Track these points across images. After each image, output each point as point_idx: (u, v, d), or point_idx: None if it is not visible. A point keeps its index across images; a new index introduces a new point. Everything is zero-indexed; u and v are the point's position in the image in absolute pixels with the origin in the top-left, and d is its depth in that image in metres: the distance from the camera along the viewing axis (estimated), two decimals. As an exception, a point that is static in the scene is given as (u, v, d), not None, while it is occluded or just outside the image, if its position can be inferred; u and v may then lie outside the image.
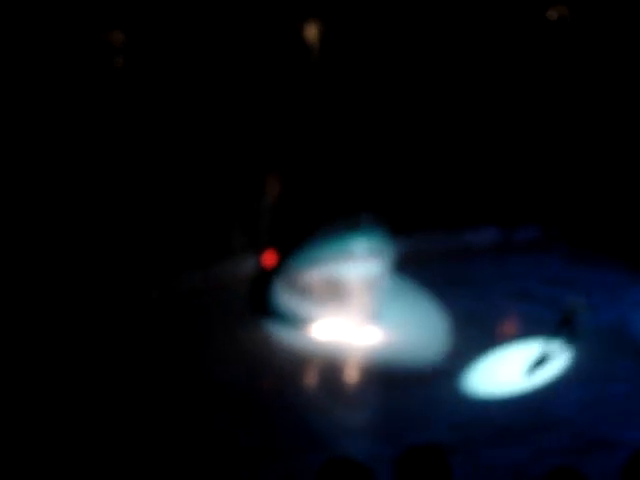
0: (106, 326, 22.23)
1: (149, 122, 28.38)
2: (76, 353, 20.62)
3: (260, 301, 23.18)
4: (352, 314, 22.94)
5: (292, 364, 21.17)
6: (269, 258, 23.30)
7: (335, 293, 23.55)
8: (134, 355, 21.19)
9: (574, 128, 33.86)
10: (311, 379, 21.09)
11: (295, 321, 23.03)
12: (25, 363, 19.78)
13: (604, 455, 16.42)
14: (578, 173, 33.19)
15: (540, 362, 18.94)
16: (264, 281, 23.12)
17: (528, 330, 23.84)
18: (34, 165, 25.70)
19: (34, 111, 26.17)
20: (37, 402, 18.10)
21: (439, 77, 32.93)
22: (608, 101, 33.41)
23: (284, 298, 22.76)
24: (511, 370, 20.24)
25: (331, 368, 20.97)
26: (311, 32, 30.17)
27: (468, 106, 33.23)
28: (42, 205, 25.24)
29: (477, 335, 22.85)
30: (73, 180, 26.29)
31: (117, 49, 28.34)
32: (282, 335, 22.76)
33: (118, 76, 28.34)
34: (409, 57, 32.40)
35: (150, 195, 27.41)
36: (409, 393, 19.42)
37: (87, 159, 26.84)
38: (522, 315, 25.37)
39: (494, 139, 33.29)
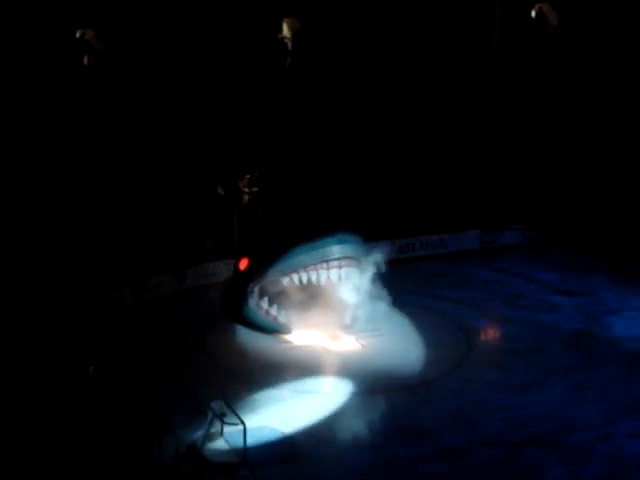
0: (75, 329, 21.71)
1: (125, 124, 28.00)
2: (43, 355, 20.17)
3: (234, 307, 22.70)
4: (328, 320, 22.56)
5: (266, 371, 20.78)
6: (244, 264, 22.81)
7: (311, 300, 23.15)
8: (104, 360, 20.67)
9: (573, 130, 33.99)
10: (286, 386, 20.68)
11: (270, 327, 22.58)
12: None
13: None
14: (574, 177, 33.40)
15: None
16: (238, 287, 22.62)
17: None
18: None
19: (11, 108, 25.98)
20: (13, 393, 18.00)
21: (429, 79, 32.83)
22: (608, 104, 33.57)
23: (259, 304, 22.31)
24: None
25: (306, 374, 20.54)
26: (289, 31, 29.76)
27: (463, 109, 33.39)
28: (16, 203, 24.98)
29: (455, 341, 22.81)
30: (47, 180, 26.03)
31: (91, 47, 27.82)
32: (256, 341, 22.36)
33: (91, 74, 27.84)
34: (395, 59, 32.23)
35: (124, 198, 27.02)
36: (386, 399, 19.23)
37: (59, 159, 26.51)
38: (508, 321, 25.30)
39: (485, 142, 33.31)
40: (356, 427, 18.33)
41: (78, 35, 26.93)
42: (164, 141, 28.09)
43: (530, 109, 33.40)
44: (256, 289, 22.28)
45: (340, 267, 22.11)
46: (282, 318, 22.63)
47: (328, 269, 22.02)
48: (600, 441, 17.48)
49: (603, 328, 24.05)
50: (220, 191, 26.53)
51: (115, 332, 22.91)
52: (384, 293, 23.20)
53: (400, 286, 24.99)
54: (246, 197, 26.30)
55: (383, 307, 23.81)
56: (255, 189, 26.46)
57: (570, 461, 16.72)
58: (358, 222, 23.92)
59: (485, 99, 32.89)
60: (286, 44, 29.18)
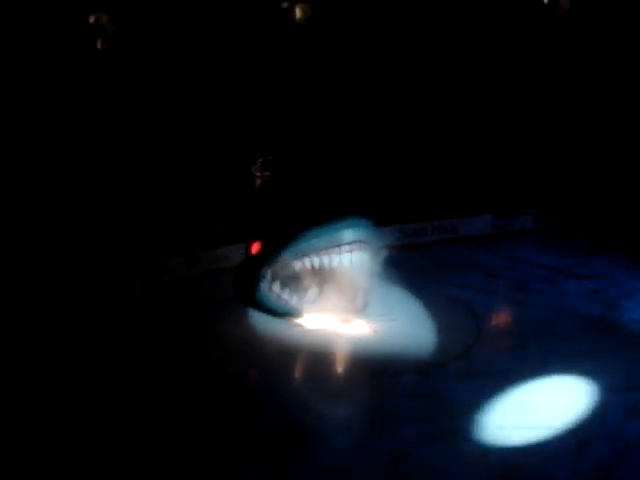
0: (89, 315, 21.91)
1: (139, 107, 28.06)
2: (59, 342, 20.38)
3: (246, 291, 22.83)
4: (340, 305, 22.65)
5: (279, 354, 20.86)
6: (256, 248, 22.90)
7: (323, 283, 23.24)
8: (119, 345, 20.90)
9: (586, 115, 33.80)
10: (298, 369, 20.79)
11: (282, 311, 22.71)
12: (9, 352, 19.69)
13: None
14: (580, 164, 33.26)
15: None
16: (250, 271, 22.74)
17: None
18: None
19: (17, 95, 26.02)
20: (20, 387, 18.07)
21: (442, 63, 32.72)
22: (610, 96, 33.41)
23: (271, 288, 22.42)
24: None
25: (318, 358, 20.62)
26: (302, 15, 29.73)
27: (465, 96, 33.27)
28: (24, 192, 25.02)
29: (466, 326, 22.83)
30: (57, 165, 26.10)
31: (104, 32, 27.87)
32: (269, 325, 22.49)
33: (105, 59, 27.89)
34: (402, 48, 32.13)
35: (136, 183, 27.12)
36: (397, 382, 19.26)
37: (71, 145, 26.58)
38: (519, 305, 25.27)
39: (497, 126, 33.17)
40: (366, 409, 18.44)
41: (92, 20, 27.02)
42: (177, 125, 28.16)
43: (544, 91, 33.21)
44: (268, 273, 22.40)
45: (352, 251, 22.10)
46: (294, 302, 22.73)
47: (340, 253, 22.04)
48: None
49: (617, 313, 23.87)
50: (235, 175, 26.61)
51: (125, 316, 23.09)
52: (395, 278, 23.27)
53: (411, 271, 25.00)
54: (258, 181, 26.36)
55: (394, 292, 23.92)
56: (267, 173, 26.53)
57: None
58: (370, 206, 23.90)
59: (497, 82, 32.75)
60: (299, 29, 29.16)
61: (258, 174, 26.57)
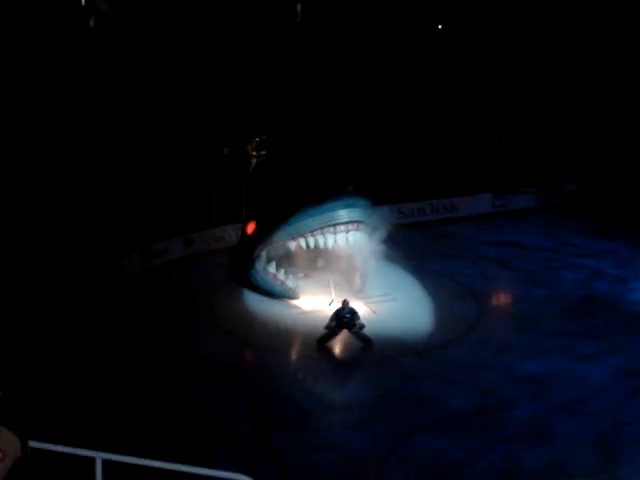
0: (84, 297, 21.56)
1: (131, 86, 27.66)
2: (55, 325, 20.05)
3: (242, 271, 22.51)
4: (337, 285, 22.27)
5: (275, 335, 20.59)
6: (251, 228, 22.52)
7: (319, 264, 22.90)
8: (113, 327, 20.58)
9: (588, 93, 33.37)
10: (295, 351, 20.51)
11: (278, 292, 22.33)
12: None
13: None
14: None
15: None
16: (246, 251, 22.39)
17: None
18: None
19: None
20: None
21: (440, 42, 32.27)
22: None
23: (266, 269, 22.06)
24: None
25: (314, 339, 20.27)
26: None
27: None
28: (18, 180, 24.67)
29: (466, 306, 22.53)
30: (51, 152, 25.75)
31: (97, 9, 27.46)
32: (264, 306, 22.12)
33: (98, 36, 27.48)
34: (404, 24, 31.69)
35: (131, 162, 26.73)
36: (397, 364, 19.02)
37: (64, 122, 26.21)
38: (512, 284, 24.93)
39: (498, 105, 32.75)
40: (366, 392, 18.19)
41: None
42: (172, 104, 27.74)
43: (543, 69, 32.84)
44: (263, 253, 22.02)
45: (347, 231, 21.60)
46: (290, 283, 22.37)
47: (335, 233, 21.54)
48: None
49: (619, 292, 23.62)
50: (226, 153, 26.15)
51: (122, 297, 22.75)
52: (394, 258, 22.92)
53: (410, 251, 24.67)
54: (254, 160, 25.99)
55: (393, 272, 23.57)
56: (263, 152, 26.14)
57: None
58: (367, 185, 23.48)
59: (496, 60, 32.36)
60: (294, 6, 28.75)
61: (254, 153, 26.21)
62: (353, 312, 19.92)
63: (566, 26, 32.71)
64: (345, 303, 19.99)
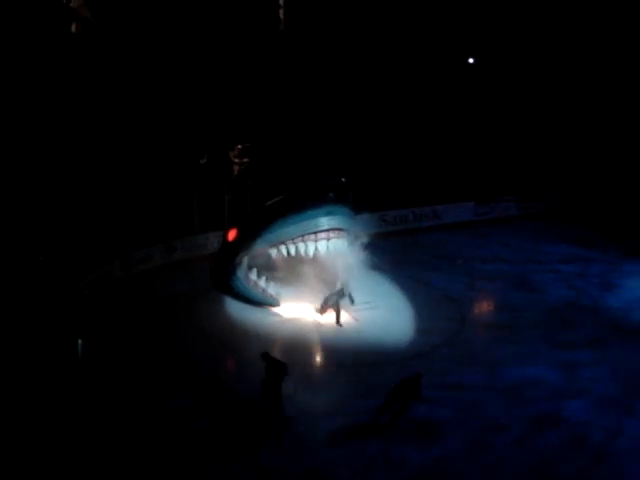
0: (63, 305, 21.44)
1: (113, 93, 27.60)
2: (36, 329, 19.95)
3: (222, 278, 22.40)
4: (318, 293, 22.23)
5: (255, 342, 20.45)
6: (232, 234, 22.43)
7: (300, 271, 22.82)
8: (93, 334, 20.44)
9: (570, 103, 33.55)
10: (277, 357, 20.41)
11: (259, 300, 22.25)
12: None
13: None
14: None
15: None
16: (226, 258, 22.29)
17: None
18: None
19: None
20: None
21: (425, 51, 32.36)
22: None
23: (247, 276, 21.98)
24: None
25: (295, 347, 20.21)
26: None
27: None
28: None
29: (448, 314, 22.55)
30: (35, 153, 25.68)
31: (79, 15, 27.43)
32: (245, 314, 21.97)
33: (79, 42, 27.42)
34: (389, 29, 31.79)
35: (113, 169, 26.66)
36: (377, 371, 18.86)
37: (47, 128, 26.14)
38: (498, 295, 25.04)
39: (480, 114, 32.89)
40: (346, 399, 18.14)
41: (65, 0, 26.55)
42: (154, 111, 27.68)
43: (526, 80, 33.05)
44: (244, 260, 21.92)
45: (328, 239, 21.59)
46: (271, 290, 22.31)
47: (316, 241, 21.51)
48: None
49: (598, 300, 23.78)
50: (204, 160, 26.05)
51: (104, 304, 22.61)
52: (376, 265, 22.91)
53: (392, 258, 24.71)
54: (236, 168, 25.94)
55: (375, 279, 23.55)
56: (246, 159, 26.10)
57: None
58: (349, 193, 23.46)
59: (481, 71, 32.54)
60: (278, 12, 28.80)
61: (236, 160, 26.17)
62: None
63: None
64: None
